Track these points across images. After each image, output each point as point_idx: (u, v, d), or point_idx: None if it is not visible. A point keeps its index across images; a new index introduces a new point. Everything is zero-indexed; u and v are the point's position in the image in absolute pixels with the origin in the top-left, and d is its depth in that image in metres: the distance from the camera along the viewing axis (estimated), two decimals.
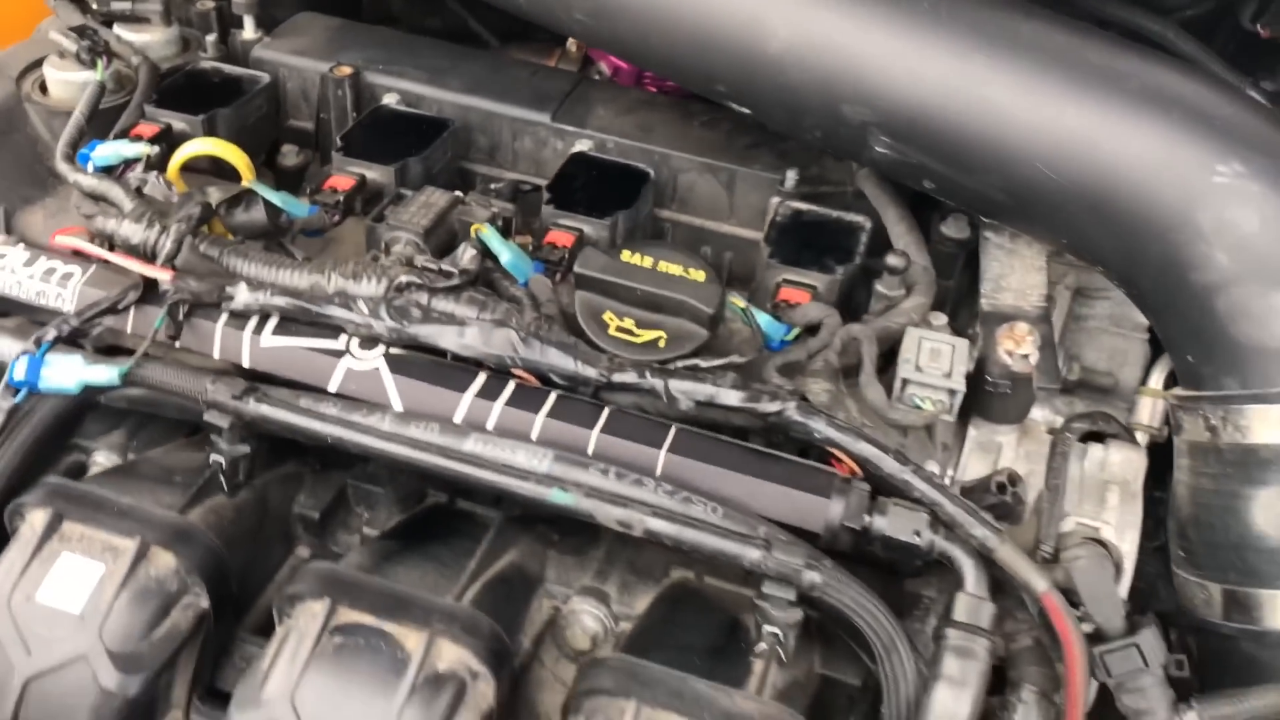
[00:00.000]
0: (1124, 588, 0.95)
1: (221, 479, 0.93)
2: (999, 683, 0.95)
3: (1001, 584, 0.89)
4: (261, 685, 0.81)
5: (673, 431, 0.91)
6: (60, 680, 0.83)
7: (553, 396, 0.93)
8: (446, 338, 0.93)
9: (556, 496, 0.85)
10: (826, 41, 0.98)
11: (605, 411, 0.92)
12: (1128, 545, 0.97)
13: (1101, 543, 0.93)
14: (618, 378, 0.92)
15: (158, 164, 1.12)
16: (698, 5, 1.02)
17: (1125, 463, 1.01)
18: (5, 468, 0.91)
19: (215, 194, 1.06)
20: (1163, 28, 1.23)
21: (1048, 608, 0.85)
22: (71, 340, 0.96)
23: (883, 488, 0.89)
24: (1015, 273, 1.06)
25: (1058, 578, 0.88)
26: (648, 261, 1.01)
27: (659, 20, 1.05)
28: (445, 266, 0.99)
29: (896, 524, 0.87)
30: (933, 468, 0.97)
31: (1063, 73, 0.93)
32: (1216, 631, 0.93)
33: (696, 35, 1.04)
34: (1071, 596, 0.88)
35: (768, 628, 0.84)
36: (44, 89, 1.27)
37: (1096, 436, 1.04)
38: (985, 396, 1.01)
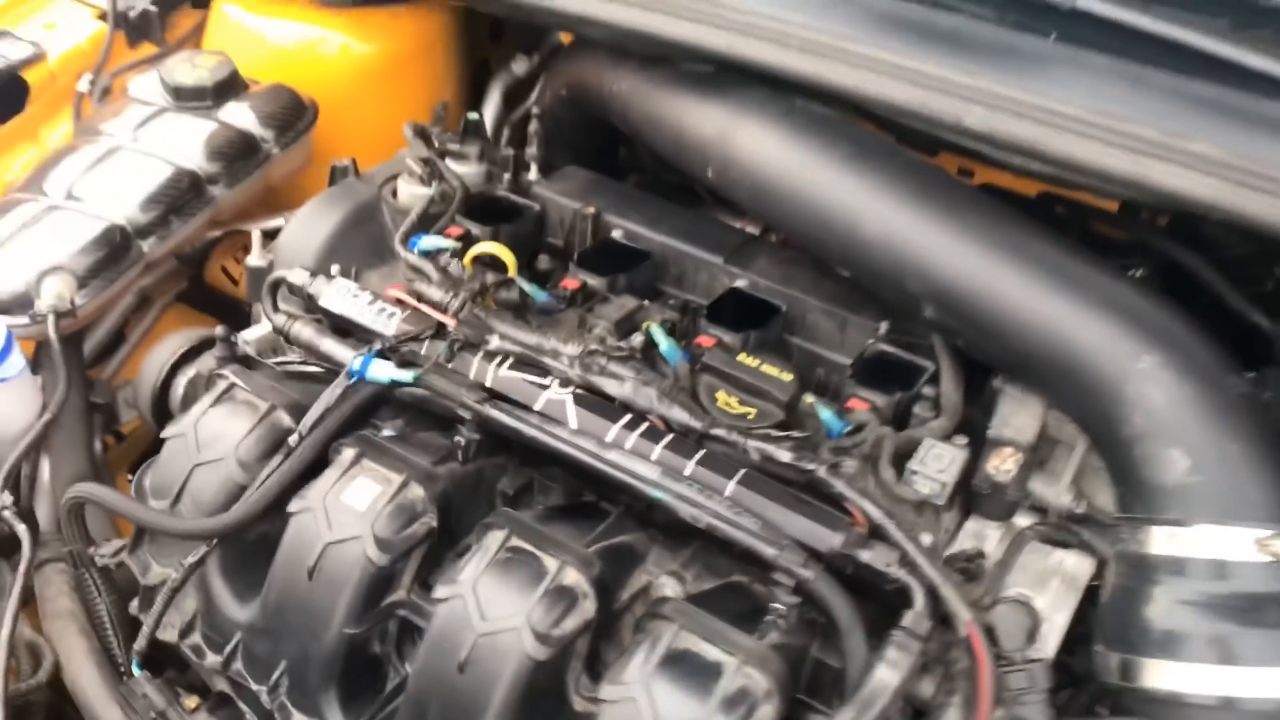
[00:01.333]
0: (1047, 648, 1.31)
1: (459, 453, 1.47)
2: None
3: (953, 626, 1.28)
4: (456, 575, 1.32)
5: (742, 471, 1.37)
6: (344, 549, 1.36)
7: (669, 436, 1.41)
8: (611, 386, 1.45)
9: (656, 493, 1.33)
10: (899, 235, 1.45)
11: (702, 451, 1.40)
12: (1058, 619, 1.33)
13: (1030, 607, 1.31)
14: (714, 431, 1.41)
15: (458, 254, 1.70)
16: (820, 200, 1.52)
17: (1076, 564, 1.38)
18: (336, 422, 1.47)
19: (491, 278, 1.62)
20: (1196, 261, 1.63)
21: (969, 632, 1.23)
22: (385, 354, 1.54)
23: (874, 534, 1.32)
24: (1019, 416, 1.46)
25: (984, 617, 1.27)
26: (754, 362, 1.48)
27: (794, 206, 1.55)
28: (622, 344, 1.50)
29: (876, 556, 1.29)
30: (926, 539, 1.38)
31: (1051, 278, 1.35)
32: (1111, 689, 1.28)
33: (816, 218, 1.53)
34: (994, 635, 1.27)
35: (774, 605, 1.27)
36: (395, 195, 1.91)
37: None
38: (977, 496, 1.42)
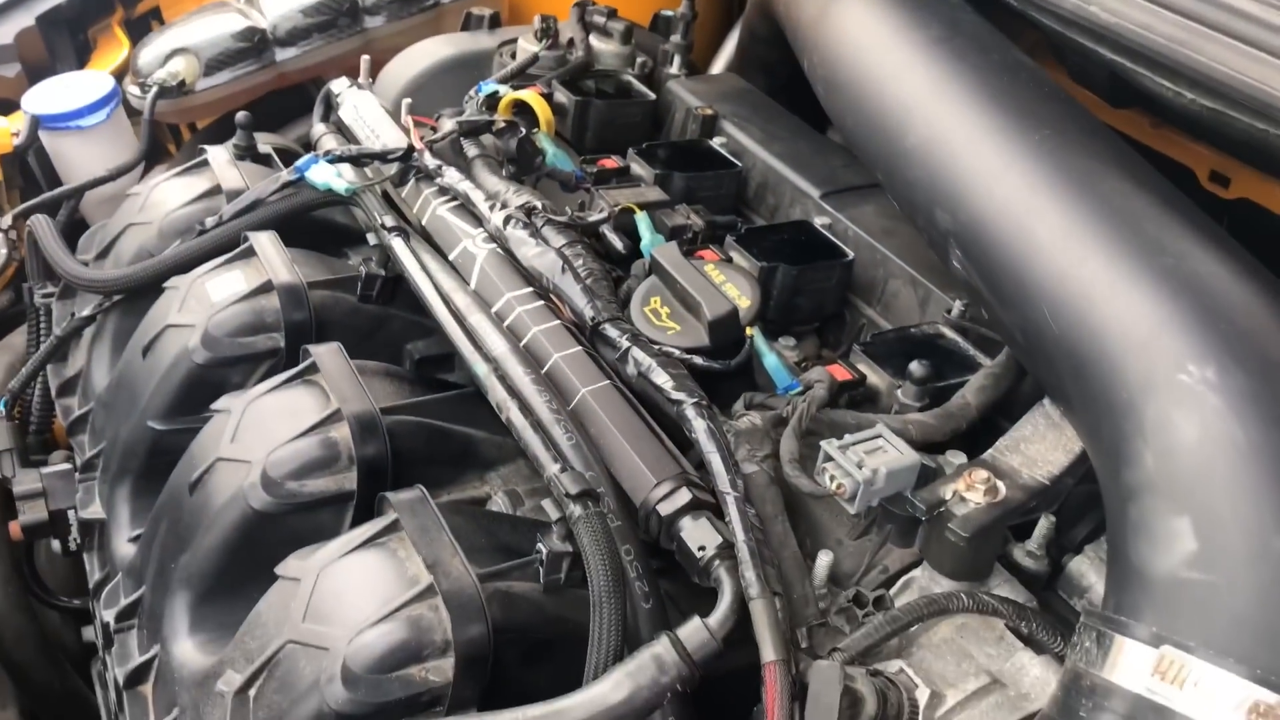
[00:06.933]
0: None
1: (358, 285, 1.24)
2: None
3: None
4: (312, 553, 0.94)
5: (604, 382, 1.02)
6: (178, 334, 1.17)
7: (554, 322, 1.09)
8: (524, 248, 1.15)
9: (475, 367, 1.02)
10: (941, 146, 1.02)
11: (574, 349, 1.06)
12: None
13: (898, 694, 0.84)
14: (605, 328, 1.06)
15: (494, 101, 1.47)
16: (873, 94, 1.12)
17: (1037, 678, 0.88)
18: (261, 215, 1.30)
19: (500, 123, 1.38)
20: None
21: (765, 675, 0.80)
22: (354, 160, 1.34)
23: (716, 507, 0.91)
24: (1041, 442, 0.96)
25: (798, 664, 0.82)
26: (712, 272, 1.11)
27: (852, 97, 1.16)
28: (579, 216, 1.19)
29: (694, 532, 0.89)
30: (824, 557, 0.94)
31: (1108, 229, 0.87)
32: None
33: (870, 119, 1.13)
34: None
35: (538, 546, 0.91)
36: (514, 56, 1.71)
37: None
38: (923, 531, 0.95)
